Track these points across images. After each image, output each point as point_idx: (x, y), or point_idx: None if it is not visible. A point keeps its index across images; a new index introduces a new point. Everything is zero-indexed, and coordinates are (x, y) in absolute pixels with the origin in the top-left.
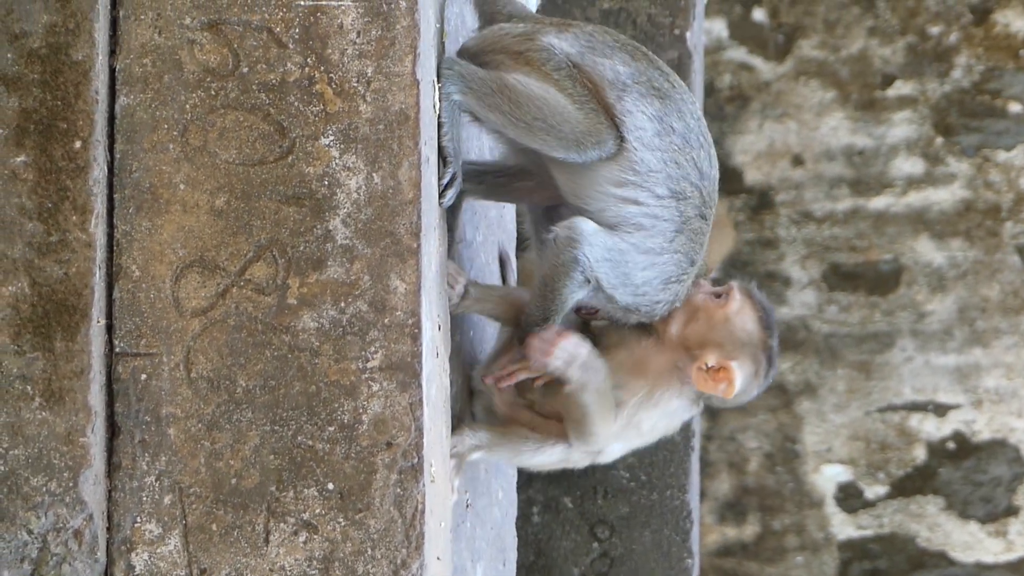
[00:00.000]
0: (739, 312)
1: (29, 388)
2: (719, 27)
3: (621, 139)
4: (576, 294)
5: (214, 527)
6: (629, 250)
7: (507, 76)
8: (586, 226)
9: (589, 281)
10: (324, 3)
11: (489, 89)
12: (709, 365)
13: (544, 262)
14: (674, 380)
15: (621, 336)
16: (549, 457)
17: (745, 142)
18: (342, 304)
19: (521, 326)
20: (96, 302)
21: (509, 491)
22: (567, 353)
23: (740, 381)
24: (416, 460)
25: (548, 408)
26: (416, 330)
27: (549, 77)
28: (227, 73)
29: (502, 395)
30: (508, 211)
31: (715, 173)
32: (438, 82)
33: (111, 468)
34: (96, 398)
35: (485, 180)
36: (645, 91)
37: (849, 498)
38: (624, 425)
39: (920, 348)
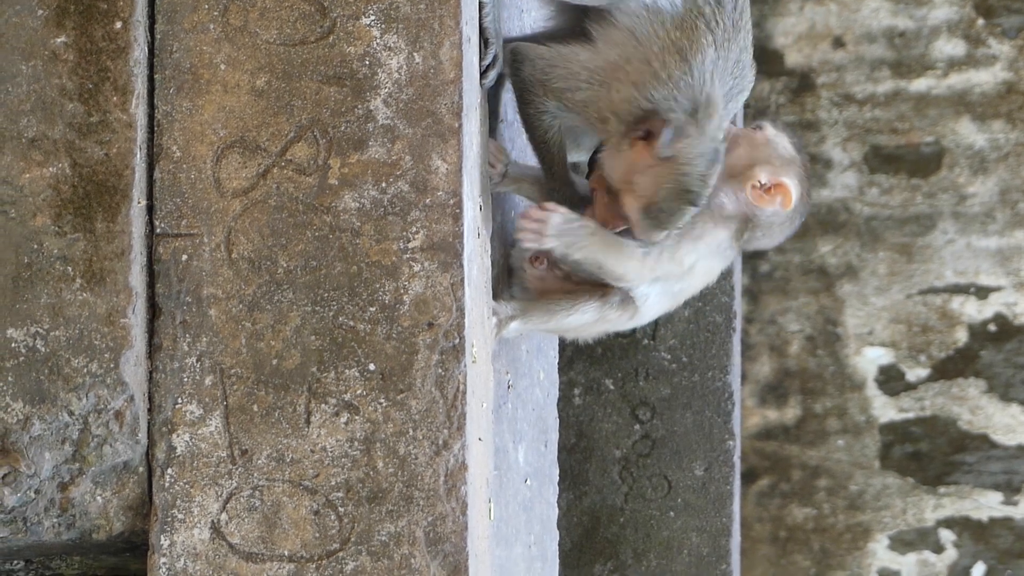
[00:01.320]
0: (776, 136)
1: (70, 269)
2: None
3: None
4: (543, 104)
5: (255, 408)
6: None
7: None
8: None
9: (540, 84)
10: None
11: None
12: (762, 182)
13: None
14: (715, 212)
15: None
16: (583, 316)
17: (786, 24)
18: (383, 184)
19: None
20: (137, 183)
21: (551, 372)
22: (538, 226)
23: (795, 192)
24: (457, 340)
25: (582, 276)
26: (458, 210)
27: None
28: None
29: (534, 270)
30: None
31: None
32: None
33: (152, 349)
34: (137, 279)
35: None
36: None
37: (890, 381)
38: (666, 259)
39: (961, 230)
